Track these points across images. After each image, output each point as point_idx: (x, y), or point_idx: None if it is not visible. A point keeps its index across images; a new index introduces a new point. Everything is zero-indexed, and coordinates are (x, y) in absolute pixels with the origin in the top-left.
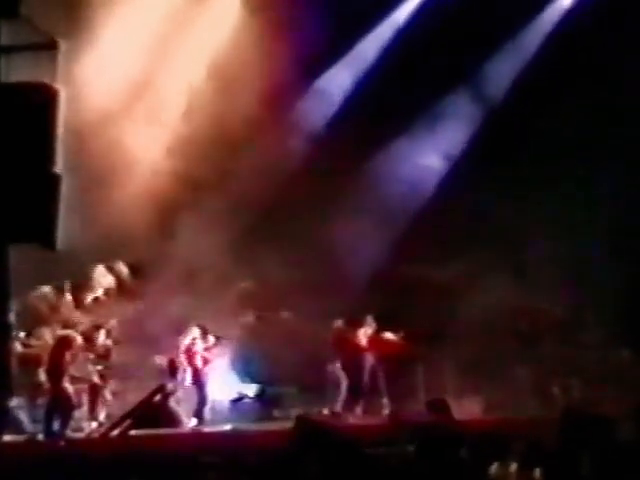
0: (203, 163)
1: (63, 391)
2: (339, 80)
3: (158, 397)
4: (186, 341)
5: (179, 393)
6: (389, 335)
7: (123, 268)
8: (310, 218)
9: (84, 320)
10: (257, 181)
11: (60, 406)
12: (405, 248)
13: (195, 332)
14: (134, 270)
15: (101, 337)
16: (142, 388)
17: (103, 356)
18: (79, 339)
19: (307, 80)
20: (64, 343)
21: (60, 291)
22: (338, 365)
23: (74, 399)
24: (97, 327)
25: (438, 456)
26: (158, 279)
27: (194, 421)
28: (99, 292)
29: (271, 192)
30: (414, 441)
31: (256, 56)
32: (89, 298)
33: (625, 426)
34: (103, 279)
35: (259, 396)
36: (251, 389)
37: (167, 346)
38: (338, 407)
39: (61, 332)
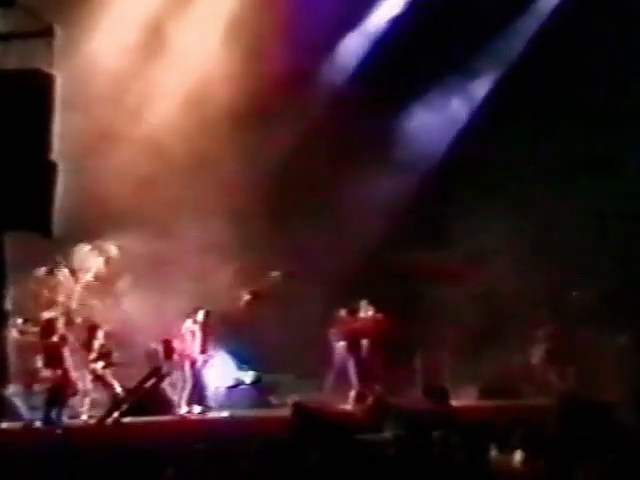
0: (204, 142)
1: (63, 378)
2: (358, 43)
3: (153, 380)
4: (187, 324)
5: (175, 378)
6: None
7: (112, 248)
8: (311, 201)
9: (81, 303)
10: (258, 162)
11: (60, 393)
12: (403, 232)
13: (200, 315)
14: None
15: (100, 337)
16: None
17: (102, 355)
18: (61, 321)
19: (326, 41)
20: (49, 326)
21: (54, 273)
22: (341, 350)
23: (74, 386)
24: (94, 327)
25: (435, 444)
26: (155, 260)
27: (197, 408)
28: (88, 276)
29: (271, 174)
30: (409, 428)
31: (267, 27)
32: (80, 282)
33: (624, 412)
34: (93, 261)
35: (256, 383)
36: (248, 376)
37: (163, 330)
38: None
39: (45, 316)
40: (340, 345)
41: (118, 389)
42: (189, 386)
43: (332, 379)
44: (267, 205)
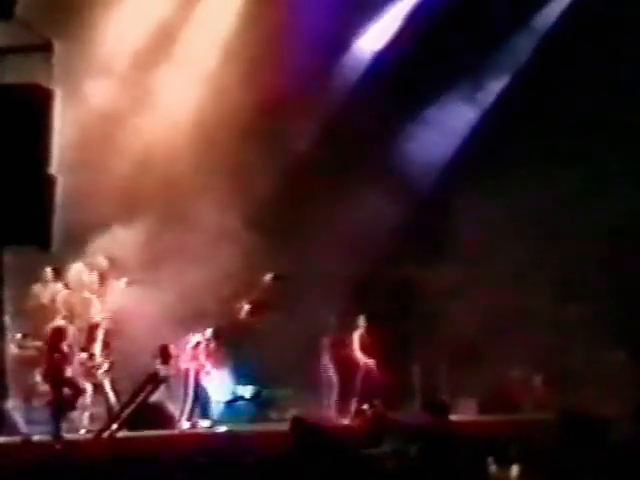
0: (209, 152)
1: (63, 391)
2: (360, 58)
3: (150, 387)
4: (194, 339)
5: (175, 391)
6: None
7: (103, 262)
8: (313, 212)
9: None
10: (262, 173)
11: (64, 405)
12: (403, 246)
13: (208, 332)
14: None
15: (100, 335)
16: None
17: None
18: (71, 329)
19: (335, 48)
20: (58, 334)
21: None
22: (331, 368)
23: (74, 400)
24: (95, 325)
25: (435, 459)
26: (157, 271)
27: (206, 422)
28: (85, 294)
29: (275, 186)
30: (408, 443)
31: (273, 33)
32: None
33: (622, 427)
34: (85, 276)
35: (255, 397)
36: (247, 390)
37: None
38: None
39: (53, 324)
40: (336, 361)
41: (112, 400)
42: (190, 401)
43: (331, 393)
44: (267, 219)
